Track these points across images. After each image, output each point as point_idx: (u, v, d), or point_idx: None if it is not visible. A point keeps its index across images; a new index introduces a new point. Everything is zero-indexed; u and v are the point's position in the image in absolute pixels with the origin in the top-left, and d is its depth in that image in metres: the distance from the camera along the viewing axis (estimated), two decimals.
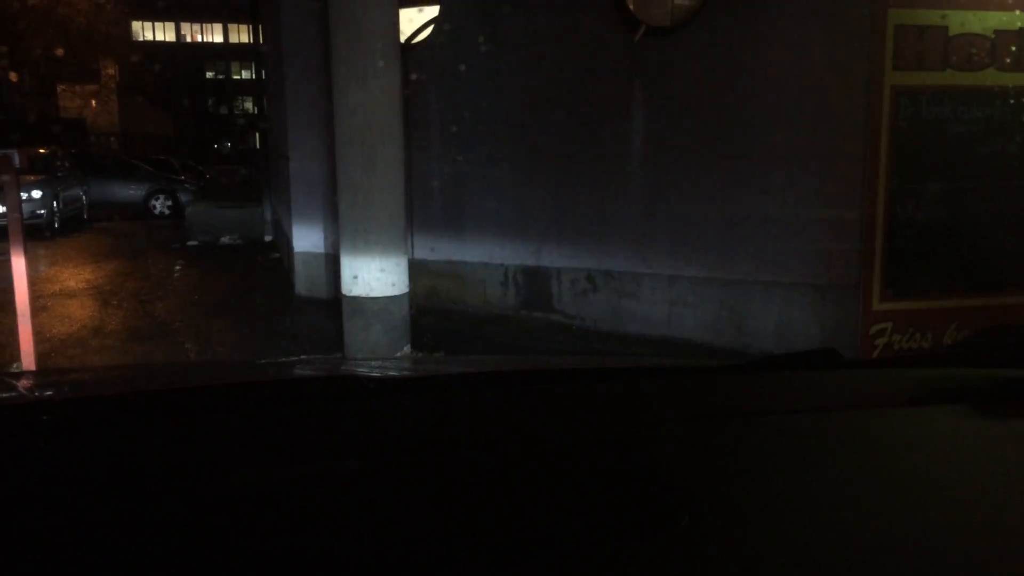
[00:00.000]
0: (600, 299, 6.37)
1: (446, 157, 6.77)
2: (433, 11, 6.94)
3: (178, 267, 9.98)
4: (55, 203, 13.75)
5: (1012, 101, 4.97)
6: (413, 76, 6.40)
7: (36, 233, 12.24)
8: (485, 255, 6.81)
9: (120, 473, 0.88)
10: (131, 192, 19.11)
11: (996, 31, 4.88)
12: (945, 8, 4.85)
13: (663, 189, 5.98)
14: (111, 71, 34.99)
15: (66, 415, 1.07)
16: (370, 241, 5.04)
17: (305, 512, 0.80)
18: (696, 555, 0.75)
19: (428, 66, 6.68)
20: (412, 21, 6.94)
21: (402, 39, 6.04)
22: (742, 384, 1.32)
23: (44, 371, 4.52)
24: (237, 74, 56.22)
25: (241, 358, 5.84)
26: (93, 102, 32.64)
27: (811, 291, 5.50)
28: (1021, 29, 4.90)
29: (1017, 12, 4.88)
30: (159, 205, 19.15)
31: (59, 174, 14.69)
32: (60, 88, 32.15)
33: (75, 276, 9.19)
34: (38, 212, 12.93)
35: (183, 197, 18.57)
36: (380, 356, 5.01)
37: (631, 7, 6.05)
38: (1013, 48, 4.91)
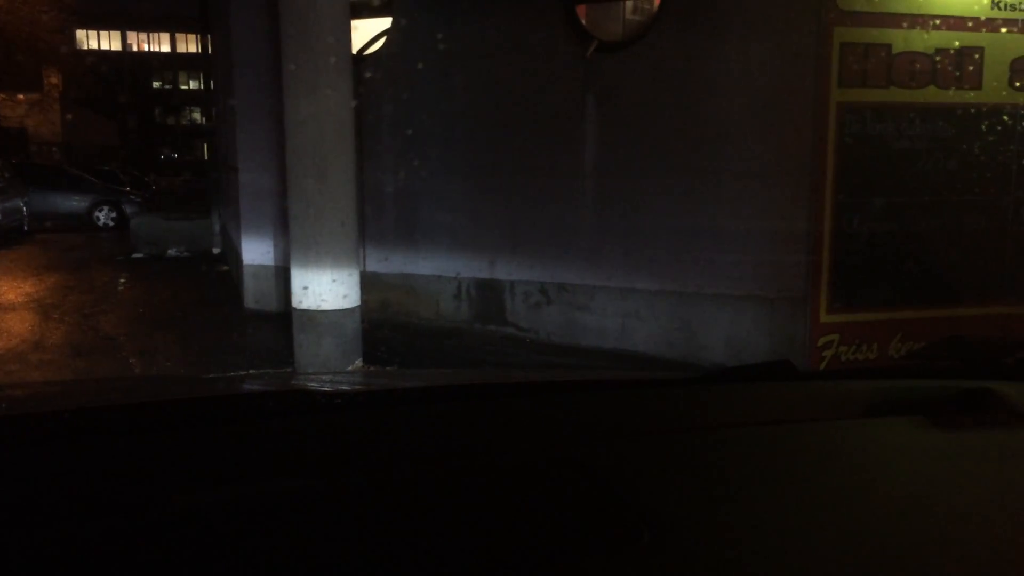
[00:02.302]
0: (554, 312, 6.37)
1: (399, 168, 6.73)
2: (385, 23, 6.92)
3: (123, 280, 9.76)
4: None
5: (952, 118, 5.11)
6: (365, 87, 6.36)
7: None
8: (438, 268, 6.78)
9: (60, 494, 0.84)
10: (74, 203, 18.67)
11: (937, 50, 5.02)
12: (889, 27, 4.97)
13: (616, 202, 6.02)
14: (54, 80, 34.19)
15: (2, 433, 1.02)
16: (321, 253, 4.98)
17: (253, 532, 0.78)
18: (657, 571, 0.74)
19: (380, 77, 6.65)
20: (364, 32, 6.91)
21: (354, 50, 6.00)
22: (699, 397, 1.32)
23: None
24: (185, 84, 55.46)
25: (188, 373, 5.72)
26: (24, 117, 31.74)
27: (760, 304, 5.57)
28: (960, 48, 5.04)
29: (956, 32, 5.02)
30: (103, 217, 18.74)
31: None
32: (0, 97, 31.33)
33: (14, 289, 8.93)
34: None
35: (128, 208, 18.21)
36: (331, 370, 4.95)
37: (584, 22, 6.11)
38: (953, 67, 5.05)
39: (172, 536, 0.76)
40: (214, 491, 0.85)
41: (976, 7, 5.01)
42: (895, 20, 4.97)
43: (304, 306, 5.05)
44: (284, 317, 5.98)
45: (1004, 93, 5.09)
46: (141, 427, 1.04)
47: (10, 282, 9.44)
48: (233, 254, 9.47)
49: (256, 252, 7.63)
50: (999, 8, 5.03)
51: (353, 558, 0.74)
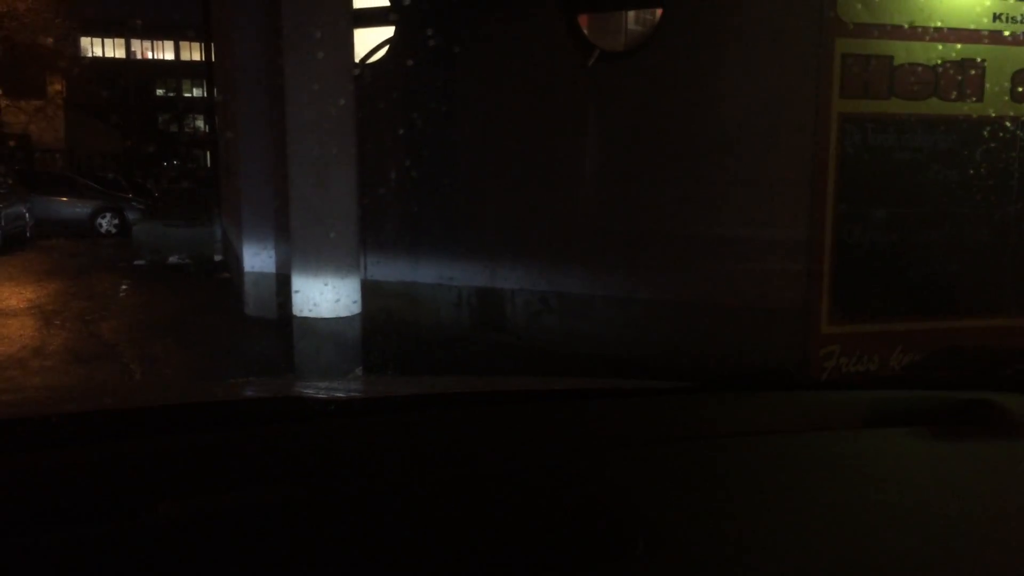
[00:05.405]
0: (554, 321, 6.37)
1: (400, 177, 6.74)
2: (388, 32, 6.94)
3: (124, 287, 9.77)
4: None
5: (953, 129, 5.11)
6: (367, 95, 6.37)
7: None
8: (439, 276, 6.77)
9: (56, 497, 0.84)
10: (77, 210, 18.72)
11: (939, 61, 5.03)
12: (890, 39, 4.98)
13: (616, 212, 6.02)
14: (58, 87, 34.27)
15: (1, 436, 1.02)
16: (322, 261, 4.98)
17: (240, 539, 0.77)
18: None
19: (382, 86, 6.66)
20: (367, 41, 6.93)
21: (357, 59, 6.01)
22: (696, 406, 1.31)
23: None
24: (188, 92, 55.61)
25: (187, 380, 5.71)
26: (28, 123, 31.75)
27: (761, 314, 5.56)
28: (961, 60, 5.05)
29: (958, 44, 5.03)
30: (105, 224, 18.77)
31: (1, 191, 14.33)
32: (4, 103, 31.39)
33: (16, 295, 8.93)
34: None
35: (130, 215, 18.25)
36: (329, 377, 4.94)
37: (586, 32, 6.12)
38: (954, 78, 5.06)
39: (157, 544, 0.75)
40: (202, 499, 0.85)
41: (978, 19, 5.02)
42: (897, 32, 4.98)
43: (304, 314, 5.04)
44: (285, 325, 5.96)
45: (1006, 105, 5.09)
46: (134, 432, 1.03)
47: (12, 288, 9.44)
48: (234, 261, 9.47)
49: (257, 259, 7.63)
50: (1000, 20, 5.03)
51: (343, 566, 0.73)
